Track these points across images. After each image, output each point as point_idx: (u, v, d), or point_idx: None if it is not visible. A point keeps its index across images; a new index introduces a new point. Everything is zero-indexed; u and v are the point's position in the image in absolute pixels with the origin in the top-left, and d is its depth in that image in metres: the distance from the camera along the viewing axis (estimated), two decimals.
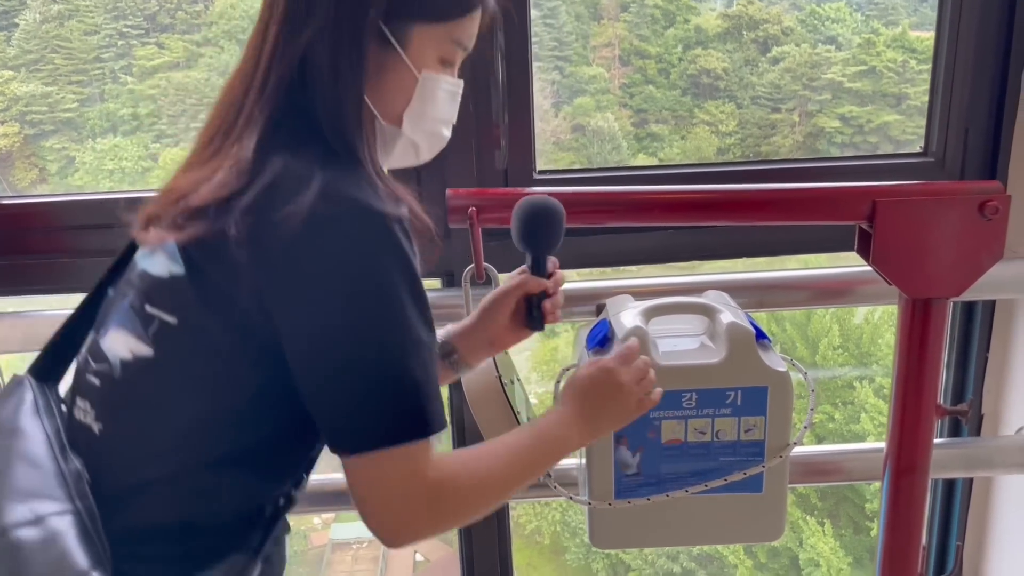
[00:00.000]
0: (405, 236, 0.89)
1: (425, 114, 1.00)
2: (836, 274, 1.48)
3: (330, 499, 1.50)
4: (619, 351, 1.11)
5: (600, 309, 1.45)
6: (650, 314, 1.31)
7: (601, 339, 1.32)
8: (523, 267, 1.18)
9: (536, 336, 1.25)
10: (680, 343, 1.35)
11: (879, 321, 10.34)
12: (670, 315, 1.35)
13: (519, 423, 1.27)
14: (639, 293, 1.39)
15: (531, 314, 1.18)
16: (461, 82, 1.04)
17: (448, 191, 1.22)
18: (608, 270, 1.71)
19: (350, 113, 0.92)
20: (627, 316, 1.31)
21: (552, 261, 1.18)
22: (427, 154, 1.06)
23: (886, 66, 10.02)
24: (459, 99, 1.05)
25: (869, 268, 1.49)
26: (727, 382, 1.27)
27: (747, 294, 1.43)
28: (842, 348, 10.15)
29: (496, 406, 1.25)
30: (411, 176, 1.50)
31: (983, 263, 1.20)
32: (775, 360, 1.29)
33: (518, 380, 1.39)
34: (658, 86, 10.55)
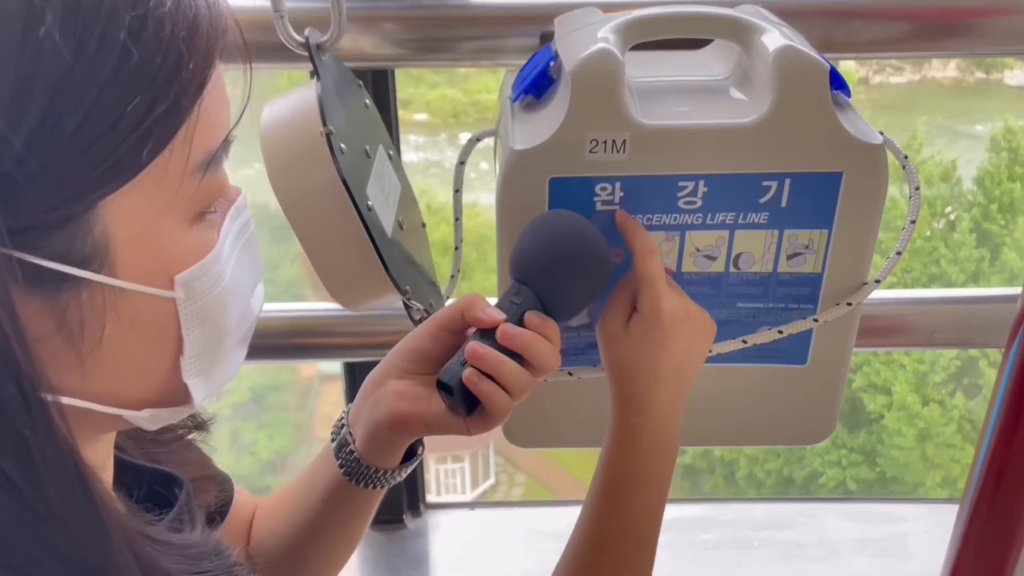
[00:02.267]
0: None
1: (221, 346, 0.43)
2: None
3: None
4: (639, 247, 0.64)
5: (546, 39, 0.81)
6: (631, 34, 0.67)
7: (536, 79, 0.69)
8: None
9: None
10: (683, 97, 0.72)
11: None
12: (668, 41, 0.71)
13: (394, 281, 0.67)
14: (614, 9, 0.75)
15: (446, 377, 0.59)
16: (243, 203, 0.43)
17: None
18: None
19: None
20: (588, 36, 0.67)
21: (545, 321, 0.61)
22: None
23: None
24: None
25: None
26: (766, 162, 0.65)
27: (805, 24, 0.78)
28: None
29: (335, 226, 0.63)
30: None
31: None
32: (861, 126, 0.67)
33: (403, 186, 0.78)
34: None
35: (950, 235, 9.24)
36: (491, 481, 10.26)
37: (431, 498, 1.27)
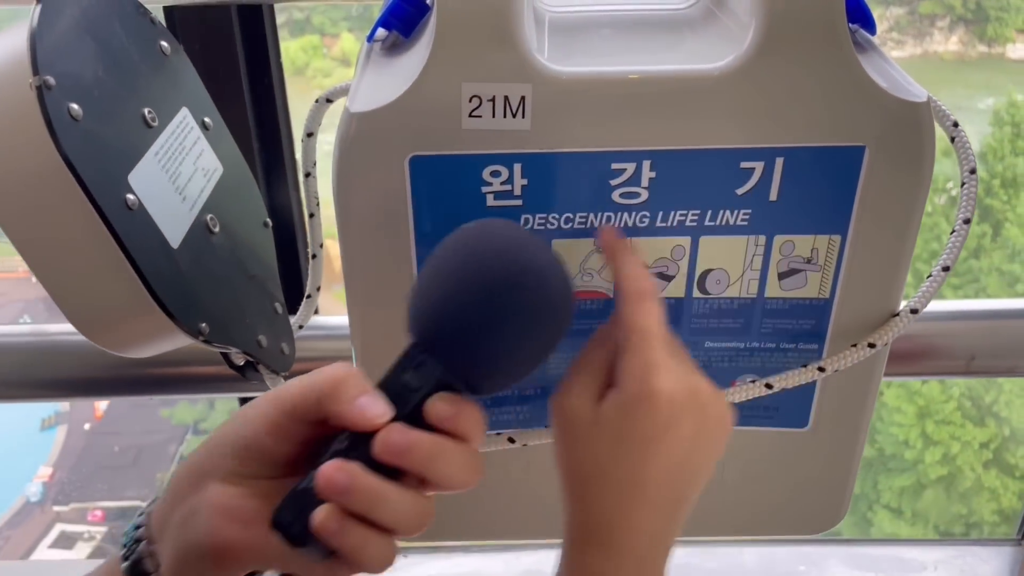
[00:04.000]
0: None
1: None
2: None
3: None
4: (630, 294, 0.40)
5: None
6: None
7: (398, 5, 0.45)
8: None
9: None
10: (621, 34, 0.48)
11: None
12: None
13: (169, 313, 0.41)
14: None
15: (286, 518, 0.35)
16: None
17: None
18: None
19: None
20: None
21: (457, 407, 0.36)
22: None
23: None
24: None
25: None
26: (745, 131, 0.41)
27: None
28: None
29: (67, 232, 0.39)
30: None
31: None
32: (892, 75, 0.43)
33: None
34: None
35: (951, 211, 8.97)
36: None
37: None
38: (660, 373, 0.38)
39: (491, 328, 0.35)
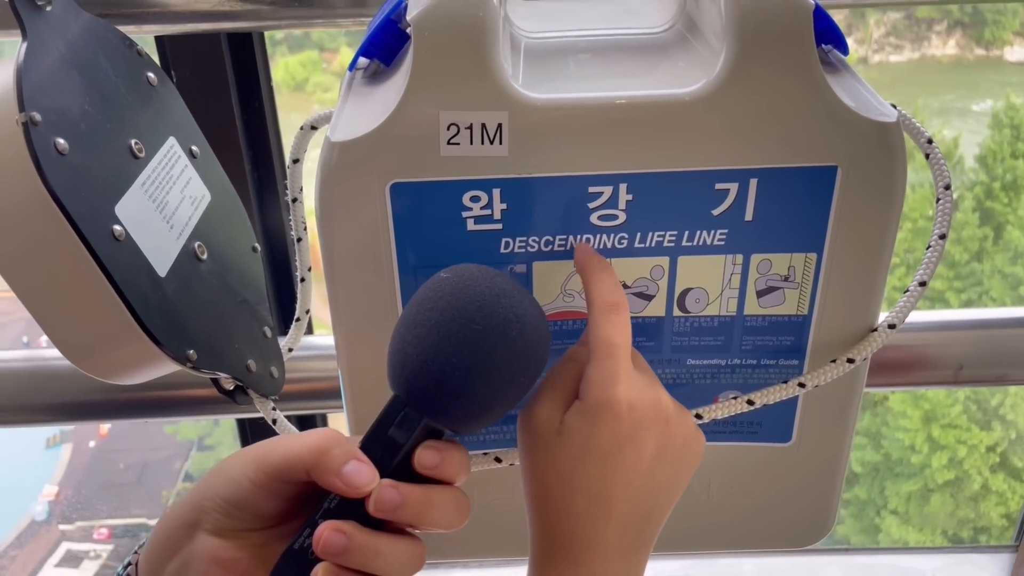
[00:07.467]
0: None
1: None
2: None
3: None
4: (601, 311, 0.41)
5: None
6: None
7: (378, 34, 0.46)
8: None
9: None
10: (597, 59, 0.49)
11: None
12: None
13: (156, 341, 0.42)
14: None
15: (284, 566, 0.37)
16: None
17: None
18: None
19: None
20: None
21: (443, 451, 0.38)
22: None
23: None
24: None
25: None
26: (720, 153, 0.42)
27: None
28: None
29: (53, 263, 0.40)
30: None
31: None
32: (863, 96, 0.43)
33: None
34: None
35: (953, 214, 8.96)
36: None
37: None
38: (622, 383, 0.39)
39: (476, 382, 0.36)
